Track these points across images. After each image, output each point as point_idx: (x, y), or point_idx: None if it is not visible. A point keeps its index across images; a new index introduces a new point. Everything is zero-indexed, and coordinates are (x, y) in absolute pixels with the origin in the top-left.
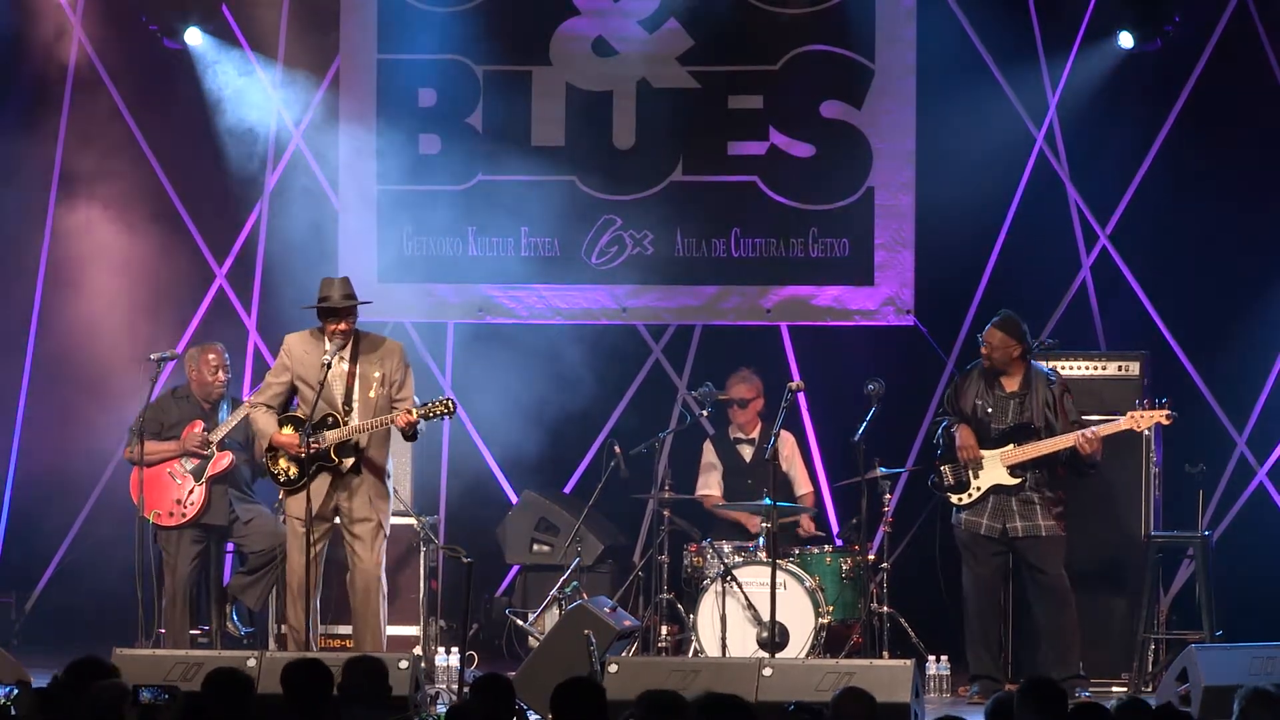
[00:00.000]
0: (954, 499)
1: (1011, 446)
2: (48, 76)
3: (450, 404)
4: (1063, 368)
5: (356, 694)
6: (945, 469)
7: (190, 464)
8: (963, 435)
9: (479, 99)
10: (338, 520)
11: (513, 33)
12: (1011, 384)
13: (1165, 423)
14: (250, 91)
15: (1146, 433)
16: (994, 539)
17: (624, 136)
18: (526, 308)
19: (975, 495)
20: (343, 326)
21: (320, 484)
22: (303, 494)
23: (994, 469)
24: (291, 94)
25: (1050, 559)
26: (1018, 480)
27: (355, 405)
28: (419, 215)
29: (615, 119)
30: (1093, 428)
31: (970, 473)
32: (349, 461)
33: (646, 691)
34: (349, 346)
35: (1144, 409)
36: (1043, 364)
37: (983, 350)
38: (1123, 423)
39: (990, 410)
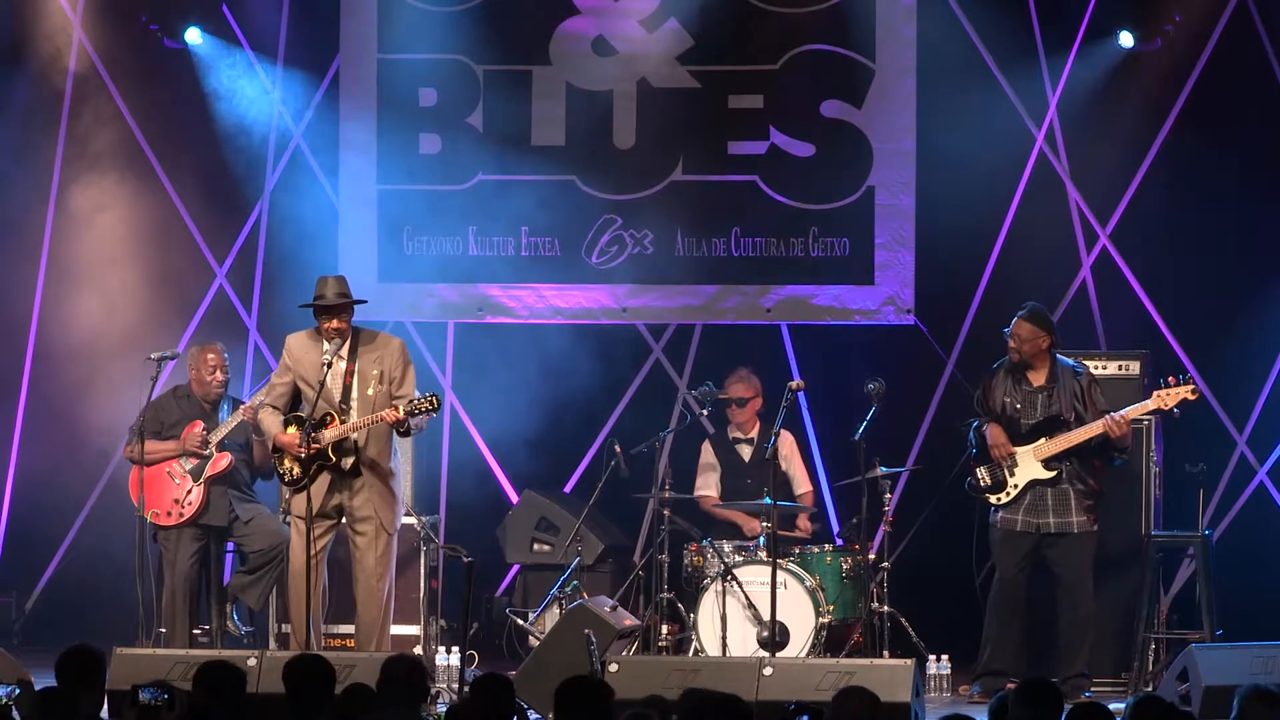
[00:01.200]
0: (992, 499)
1: (1043, 440)
2: (48, 77)
3: (435, 400)
4: None
5: (397, 693)
6: (981, 471)
7: (189, 464)
8: (993, 434)
9: (479, 99)
10: (343, 520)
11: (513, 32)
12: (1038, 378)
13: (1191, 398)
14: (250, 91)
15: (1147, 421)
16: (1030, 534)
17: (624, 136)
18: (526, 307)
19: (1013, 493)
20: (335, 324)
21: (321, 483)
22: (305, 492)
23: (1028, 465)
24: (291, 94)
25: (1075, 557)
26: (1053, 473)
27: (354, 403)
28: (419, 215)
29: (615, 119)
30: (1120, 411)
31: (1006, 471)
32: (349, 461)
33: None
34: (347, 344)
35: (1169, 387)
36: (1068, 358)
37: (1011, 344)
38: (1150, 403)
39: (1019, 406)
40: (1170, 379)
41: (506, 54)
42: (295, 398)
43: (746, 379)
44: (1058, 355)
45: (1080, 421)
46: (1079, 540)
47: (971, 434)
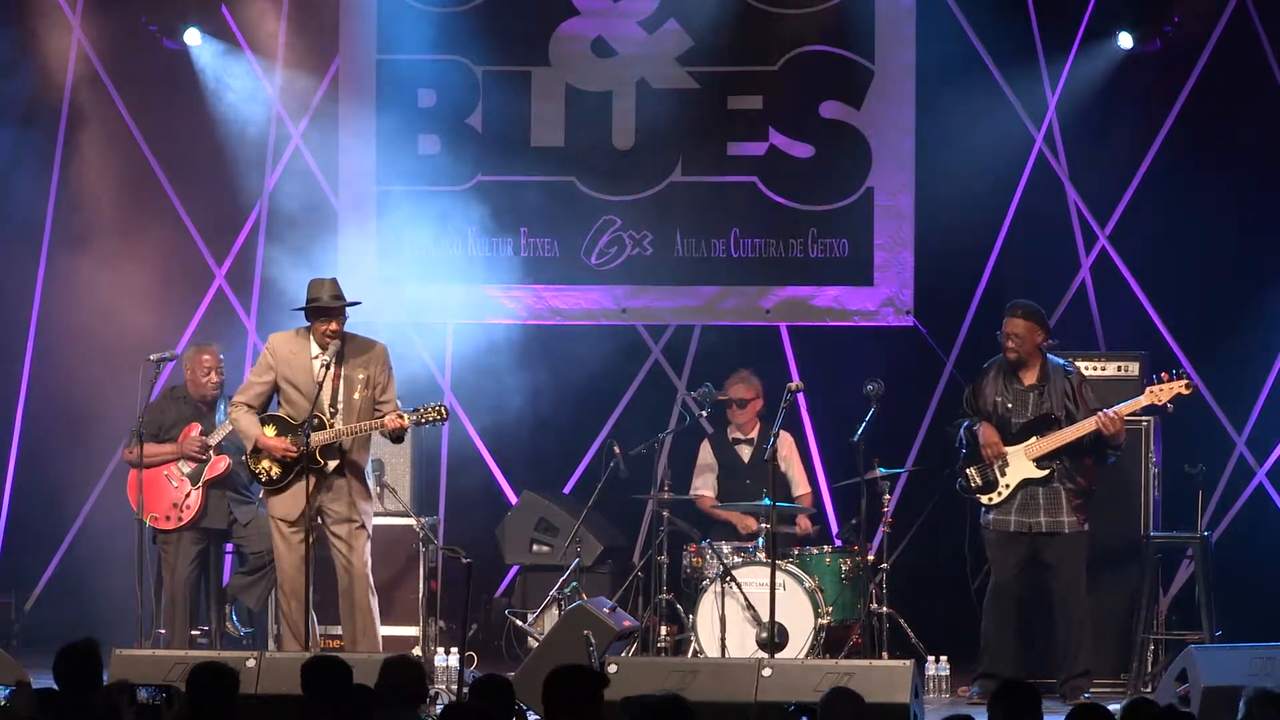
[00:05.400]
0: (983, 500)
1: (1034, 439)
2: (47, 77)
3: (444, 410)
4: None
5: (396, 695)
6: (971, 471)
7: (187, 467)
8: (985, 433)
9: (478, 99)
10: (319, 521)
11: (512, 33)
12: (1029, 377)
13: (1185, 392)
14: (250, 92)
15: (1146, 422)
16: (1023, 534)
17: (623, 137)
18: (526, 308)
19: (1005, 494)
20: (334, 327)
21: (304, 485)
22: (286, 494)
23: (1020, 464)
24: (291, 94)
25: (1069, 557)
26: (1046, 472)
27: (340, 407)
28: (419, 215)
29: (615, 119)
30: (1113, 408)
31: (997, 471)
32: (333, 463)
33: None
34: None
35: (1161, 382)
36: (1058, 357)
37: (1009, 344)
38: (1143, 399)
39: (1010, 405)
40: (1164, 374)
41: (506, 55)
42: (270, 398)
43: (747, 379)
44: (1049, 355)
45: (1071, 420)
46: (1070, 540)
47: (961, 434)
